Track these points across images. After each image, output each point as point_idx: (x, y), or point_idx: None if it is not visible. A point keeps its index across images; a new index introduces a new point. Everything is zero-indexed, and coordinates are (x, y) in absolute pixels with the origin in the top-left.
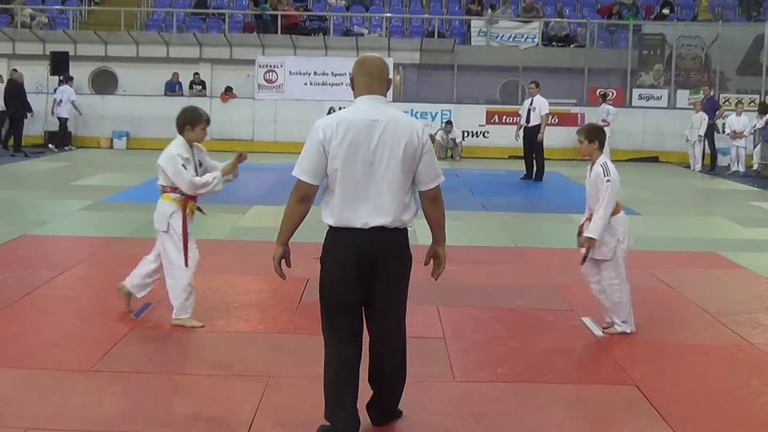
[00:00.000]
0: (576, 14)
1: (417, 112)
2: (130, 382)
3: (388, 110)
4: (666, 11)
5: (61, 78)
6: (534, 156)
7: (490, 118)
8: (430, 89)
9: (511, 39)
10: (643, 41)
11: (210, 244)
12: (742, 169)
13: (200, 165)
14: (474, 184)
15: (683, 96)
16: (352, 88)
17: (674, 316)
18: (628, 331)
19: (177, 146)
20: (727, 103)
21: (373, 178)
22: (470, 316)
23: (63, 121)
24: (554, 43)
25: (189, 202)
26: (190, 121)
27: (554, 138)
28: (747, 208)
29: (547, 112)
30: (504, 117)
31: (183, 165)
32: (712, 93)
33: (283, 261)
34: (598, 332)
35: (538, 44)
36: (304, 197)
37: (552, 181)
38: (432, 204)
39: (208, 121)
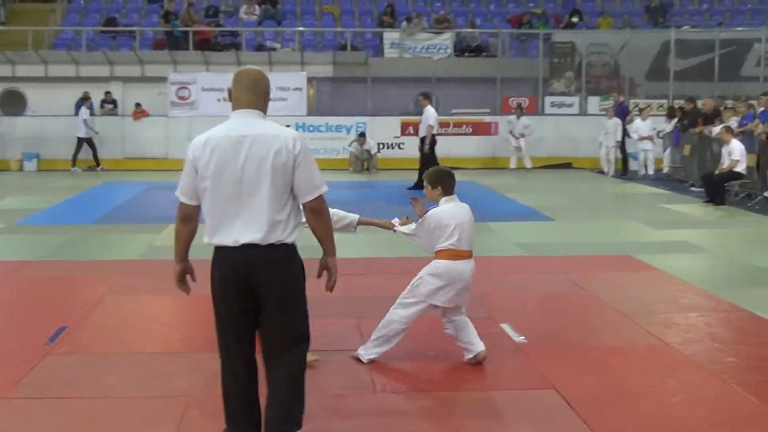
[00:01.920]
0: (487, 25)
1: (332, 126)
2: (48, 408)
3: (259, 124)
4: (575, 19)
5: None
6: (423, 166)
7: (404, 129)
8: (344, 102)
9: (423, 50)
10: (553, 50)
11: (125, 264)
12: (651, 172)
13: None
14: (390, 195)
15: (594, 102)
16: (231, 102)
17: (591, 319)
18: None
19: None
20: (636, 108)
21: (242, 195)
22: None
23: None
24: (467, 54)
25: None
26: None
27: (469, 148)
28: (659, 211)
29: (431, 123)
30: (418, 128)
31: None
32: (622, 99)
33: (189, 276)
34: (518, 338)
35: (450, 55)
36: (186, 217)
37: (468, 190)
38: (314, 216)
39: None
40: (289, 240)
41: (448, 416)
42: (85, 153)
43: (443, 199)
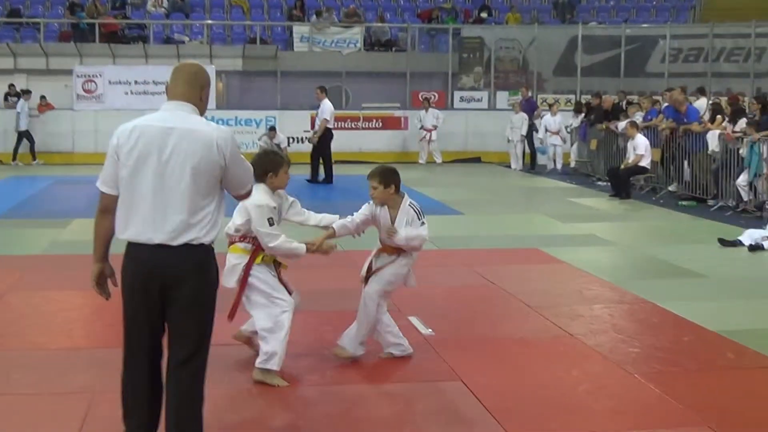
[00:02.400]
0: (397, 19)
1: (241, 119)
2: None
3: (190, 119)
4: (484, 15)
5: None
6: (321, 160)
7: (314, 123)
8: (253, 96)
9: (333, 44)
10: (462, 45)
11: (28, 260)
12: (559, 167)
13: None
14: (300, 189)
15: (503, 97)
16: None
17: (498, 312)
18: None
19: (264, 193)
20: (544, 103)
21: (162, 191)
22: (298, 321)
23: None
24: (376, 48)
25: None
26: (273, 168)
27: (379, 141)
28: (566, 205)
29: (326, 117)
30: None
31: (270, 217)
32: (530, 94)
33: (110, 280)
34: (425, 331)
35: (360, 49)
36: (106, 210)
37: None
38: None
39: (289, 163)
40: (205, 240)
41: (355, 408)
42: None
43: (406, 197)
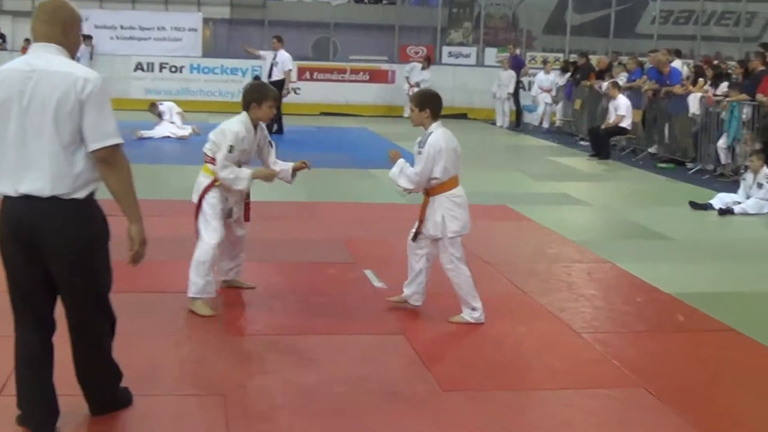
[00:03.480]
0: None
1: (227, 68)
2: None
3: (51, 60)
4: None
5: None
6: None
7: (301, 74)
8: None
9: None
10: (453, 0)
11: None
12: (546, 125)
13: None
14: (280, 141)
15: (491, 54)
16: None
17: None
18: (479, 320)
19: (239, 122)
20: (533, 61)
21: (25, 139)
22: (252, 270)
23: None
24: (366, 1)
25: None
26: (257, 99)
27: (365, 94)
28: (544, 164)
29: (291, 68)
30: (315, 73)
31: (231, 145)
32: (518, 51)
33: None
34: (378, 284)
35: (350, 1)
36: None
37: (359, 136)
38: (105, 168)
39: (275, 98)
40: (79, 195)
41: (295, 358)
42: None
43: (434, 124)
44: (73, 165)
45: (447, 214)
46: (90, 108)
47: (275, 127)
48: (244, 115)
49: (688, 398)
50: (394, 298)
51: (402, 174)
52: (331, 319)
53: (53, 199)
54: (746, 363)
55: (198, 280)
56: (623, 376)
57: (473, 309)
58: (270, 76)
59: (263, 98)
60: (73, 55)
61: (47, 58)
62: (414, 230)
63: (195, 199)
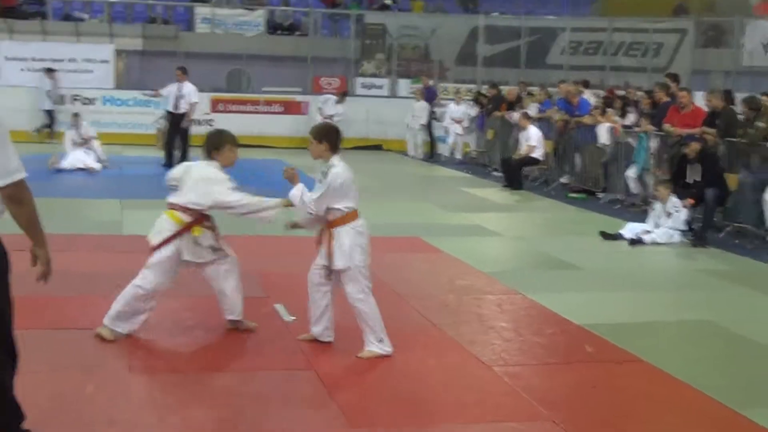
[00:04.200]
0: (300, 3)
1: (140, 100)
2: None
3: None
4: (388, 1)
5: None
6: (181, 142)
7: (215, 106)
8: (154, 76)
9: (236, 27)
10: (365, 31)
11: None
12: (459, 156)
13: None
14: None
15: (404, 85)
16: None
17: None
18: (387, 350)
19: (214, 168)
20: (445, 92)
21: None
22: (161, 305)
23: None
24: (279, 32)
25: (195, 226)
26: (215, 145)
27: (279, 126)
28: (457, 194)
29: (196, 100)
30: (229, 105)
31: (227, 177)
32: (431, 82)
33: None
34: (288, 318)
35: (263, 32)
36: None
37: (272, 168)
38: (12, 205)
39: (232, 141)
40: None
41: (205, 397)
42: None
43: (335, 157)
44: None
45: (354, 244)
46: None
47: (181, 157)
48: (214, 163)
49: (596, 430)
50: (303, 336)
51: (302, 199)
52: (239, 355)
53: None
54: (655, 394)
55: (115, 310)
56: (532, 409)
57: (380, 340)
58: (177, 108)
59: (220, 143)
60: None
61: None
62: (321, 266)
63: (154, 242)
